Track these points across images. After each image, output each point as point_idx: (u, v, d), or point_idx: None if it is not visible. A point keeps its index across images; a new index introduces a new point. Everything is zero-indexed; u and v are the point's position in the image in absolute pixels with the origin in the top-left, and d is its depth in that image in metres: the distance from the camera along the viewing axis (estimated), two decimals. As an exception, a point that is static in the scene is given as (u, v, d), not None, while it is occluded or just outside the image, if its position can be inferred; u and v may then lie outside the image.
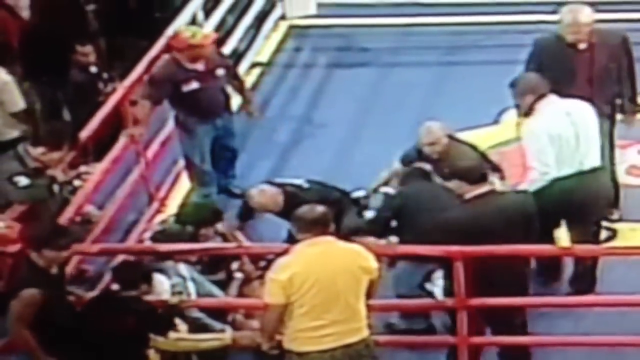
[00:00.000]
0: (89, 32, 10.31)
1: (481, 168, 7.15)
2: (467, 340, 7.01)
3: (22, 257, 6.68)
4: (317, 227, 6.28)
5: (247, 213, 8.08)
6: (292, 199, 7.65)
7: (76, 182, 7.85)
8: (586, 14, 8.07)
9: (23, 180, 7.41)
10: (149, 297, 6.72)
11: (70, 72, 9.67)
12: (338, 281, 6.22)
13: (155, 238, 7.40)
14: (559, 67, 8.05)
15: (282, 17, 11.53)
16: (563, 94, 7.99)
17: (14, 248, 6.85)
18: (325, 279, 6.21)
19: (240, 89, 8.92)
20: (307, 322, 6.25)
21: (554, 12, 10.75)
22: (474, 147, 8.21)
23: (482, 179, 7.01)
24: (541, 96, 7.65)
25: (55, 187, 7.59)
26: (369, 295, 6.36)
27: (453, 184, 7.02)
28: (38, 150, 7.47)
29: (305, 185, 7.95)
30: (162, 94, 8.52)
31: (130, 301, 6.59)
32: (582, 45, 8.08)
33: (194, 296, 7.04)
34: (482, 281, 6.81)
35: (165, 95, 8.54)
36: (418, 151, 8.05)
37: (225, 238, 7.57)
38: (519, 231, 6.94)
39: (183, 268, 7.16)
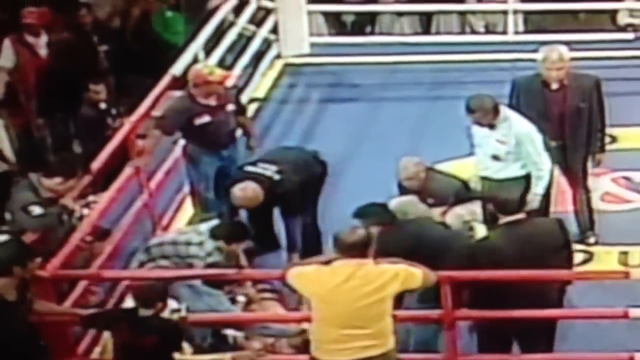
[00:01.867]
0: (100, 71, 10.27)
1: (518, 201, 7.01)
2: (456, 357, 6.84)
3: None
4: (350, 250, 6.22)
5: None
6: (269, 194, 7.77)
7: (84, 211, 7.73)
8: (561, 52, 8.14)
9: (36, 210, 7.21)
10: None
11: (82, 108, 9.63)
12: (357, 305, 6.14)
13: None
14: (534, 105, 8.14)
15: (278, 56, 11.52)
16: (538, 129, 8.03)
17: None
18: (342, 303, 6.16)
19: (244, 124, 8.84)
20: (327, 334, 6.22)
21: (529, 51, 10.84)
22: (455, 177, 8.15)
23: (516, 211, 6.89)
24: (497, 109, 7.81)
25: (65, 216, 7.42)
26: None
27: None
28: (54, 181, 7.24)
29: (277, 177, 7.87)
30: (176, 126, 8.46)
31: (151, 319, 6.42)
32: (555, 85, 8.11)
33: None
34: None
35: (178, 127, 8.48)
36: (400, 185, 8.04)
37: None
38: (552, 257, 6.83)
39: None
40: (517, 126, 7.80)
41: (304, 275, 6.34)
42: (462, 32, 12.25)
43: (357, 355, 6.21)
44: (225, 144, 8.51)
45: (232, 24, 10.71)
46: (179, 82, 9.48)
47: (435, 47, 11.50)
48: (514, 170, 7.84)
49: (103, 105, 9.59)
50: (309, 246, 8.04)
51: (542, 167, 7.81)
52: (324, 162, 8.27)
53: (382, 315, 6.24)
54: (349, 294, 6.15)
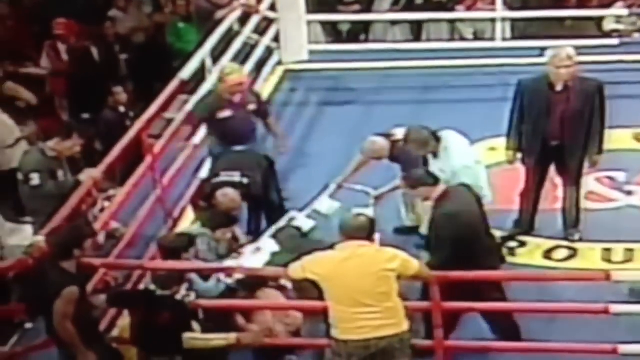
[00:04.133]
0: (120, 77, 10.61)
1: (430, 172, 7.38)
2: (443, 344, 7.00)
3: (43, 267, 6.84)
4: (353, 233, 6.49)
5: None
6: (244, 197, 8.20)
7: (105, 203, 8.15)
8: (569, 52, 8.19)
9: (35, 179, 7.78)
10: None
11: (103, 112, 9.99)
12: (361, 282, 6.36)
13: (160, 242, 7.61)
14: (537, 106, 8.23)
15: (279, 63, 11.72)
16: (539, 130, 8.22)
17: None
18: (346, 281, 6.38)
19: (270, 125, 9.29)
20: (340, 313, 6.44)
21: (516, 57, 11.11)
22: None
23: (437, 180, 7.26)
24: (438, 138, 7.87)
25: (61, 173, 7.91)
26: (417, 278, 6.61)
27: (423, 190, 7.24)
28: (53, 141, 7.89)
29: (245, 181, 8.33)
30: (202, 117, 8.98)
31: (167, 299, 6.82)
32: (560, 87, 8.19)
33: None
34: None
35: (205, 119, 8.98)
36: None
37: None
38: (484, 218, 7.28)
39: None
40: (453, 158, 7.78)
41: (308, 262, 6.59)
42: (452, 39, 12.40)
43: (371, 334, 6.35)
44: (242, 140, 8.94)
45: (237, 33, 10.94)
46: (187, 86, 9.91)
47: (426, 53, 11.60)
48: None
49: (122, 109, 9.97)
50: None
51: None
52: (267, 155, 8.75)
53: (388, 294, 6.39)
54: (350, 272, 6.37)
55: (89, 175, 8.00)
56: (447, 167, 7.81)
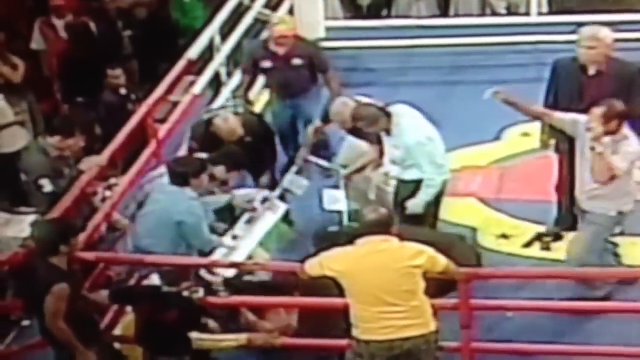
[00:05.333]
0: (122, 56, 10.69)
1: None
2: (469, 345, 7.09)
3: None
4: (373, 228, 6.52)
5: None
6: (249, 127, 8.47)
7: (107, 193, 8.19)
8: (596, 31, 8.12)
9: (48, 186, 7.85)
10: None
11: (104, 94, 10.06)
12: (382, 280, 6.40)
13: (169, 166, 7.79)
14: (569, 89, 8.22)
15: None
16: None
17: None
18: (367, 277, 6.43)
19: (328, 81, 9.53)
20: (361, 312, 6.49)
21: (553, 33, 11.13)
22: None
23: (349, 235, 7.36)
24: (389, 113, 7.99)
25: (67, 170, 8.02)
26: (445, 276, 6.63)
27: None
28: (55, 139, 7.98)
29: (241, 110, 8.69)
30: (248, 64, 9.39)
31: (174, 296, 6.93)
32: (592, 71, 8.15)
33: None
34: None
35: (250, 67, 9.36)
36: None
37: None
38: None
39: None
40: (407, 135, 7.93)
41: (326, 258, 6.62)
42: (483, 14, 12.38)
43: (396, 334, 6.41)
44: (287, 94, 9.29)
45: (248, 9, 11.01)
46: (194, 66, 9.96)
47: (454, 30, 11.58)
48: (413, 174, 8.04)
49: (123, 91, 9.99)
50: None
51: (431, 176, 7.95)
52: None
53: (414, 293, 6.42)
54: (371, 268, 6.41)
55: (94, 163, 8.09)
56: (401, 144, 7.99)
